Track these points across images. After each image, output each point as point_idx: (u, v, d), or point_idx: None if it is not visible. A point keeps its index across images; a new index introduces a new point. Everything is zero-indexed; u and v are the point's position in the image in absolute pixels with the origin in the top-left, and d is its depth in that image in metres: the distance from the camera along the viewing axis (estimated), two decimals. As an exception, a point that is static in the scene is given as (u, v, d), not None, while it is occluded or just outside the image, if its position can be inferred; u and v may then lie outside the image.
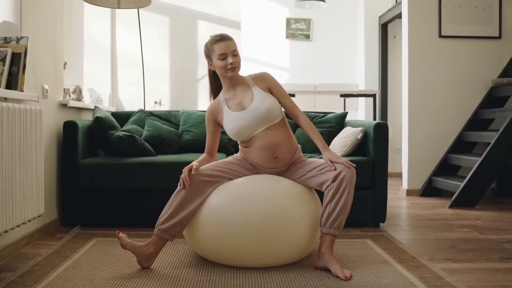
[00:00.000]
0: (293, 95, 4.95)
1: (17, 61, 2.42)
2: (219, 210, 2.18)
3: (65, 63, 3.52)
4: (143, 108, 4.14)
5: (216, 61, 2.30)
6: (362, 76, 6.31)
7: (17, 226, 2.26)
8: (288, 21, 6.64)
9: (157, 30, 4.94)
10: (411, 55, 4.56)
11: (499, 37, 4.59)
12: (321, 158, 2.32)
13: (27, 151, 2.33)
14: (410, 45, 4.56)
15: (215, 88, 2.46)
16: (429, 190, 4.52)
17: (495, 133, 4.03)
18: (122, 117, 3.72)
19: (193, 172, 2.21)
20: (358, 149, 3.27)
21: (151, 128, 3.45)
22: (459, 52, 4.59)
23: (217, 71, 2.34)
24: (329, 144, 3.36)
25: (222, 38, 2.30)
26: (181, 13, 4.98)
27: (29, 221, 2.37)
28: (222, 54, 2.28)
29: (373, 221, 3.15)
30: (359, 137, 3.20)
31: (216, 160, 2.45)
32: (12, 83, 2.41)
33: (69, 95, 3.45)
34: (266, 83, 2.38)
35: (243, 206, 2.15)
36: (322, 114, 3.68)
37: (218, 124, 2.44)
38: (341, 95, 5.24)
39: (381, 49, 6.15)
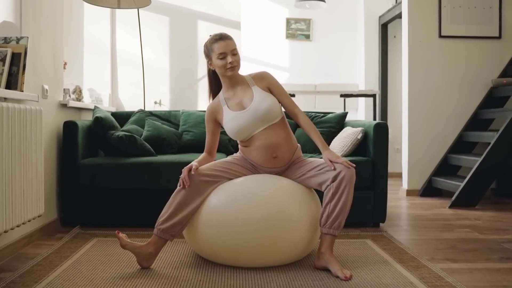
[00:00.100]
0: (293, 95, 4.94)
1: (17, 61, 2.42)
2: (219, 210, 2.18)
3: (65, 63, 3.52)
4: (143, 108, 4.14)
5: (216, 61, 2.30)
6: (362, 76, 6.31)
7: (17, 226, 2.26)
8: (288, 21, 6.64)
9: (157, 30, 4.94)
10: (411, 55, 4.56)
11: (499, 37, 4.59)
12: (321, 158, 2.32)
13: (27, 151, 2.33)
14: (410, 45, 4.56)
15: (214, 87, 2.46)
16: (429, 190, 4.52)
17: (495, 133, 4.03)
18: (122, 117, 3.72)
19: (192, 172, 2.21)
20: (358, 149, 3.27)
21: (151, 128, 3.45)
22: (459, 52, 4.59)
23: (217, 71, 2.34)
24: (329, 144, 3.36)
25: (222, 37, 2.30)
26: (181, 13, 4.98)
27: (29, 221, 2.37)
28: (222, 53, 2.28)
29: (373, 221, 3.15)
30: (359, 137, 3.20)
31: (216, 160, 2.45)
32: (12, 83, 2.41)
33: (69, 95, 3.45)
34: (265, 82, 2.38)
35: (242, 206, 2.15)
36: (322, 114, 3.68)
37: (217, 124, 2.44)
38: (341, 95, 5.23)
39: (381, 49, 6.16)
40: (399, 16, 5.39)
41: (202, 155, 2.45)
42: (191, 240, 2.31)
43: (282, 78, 6.48)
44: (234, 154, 2.47)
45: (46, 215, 2.90)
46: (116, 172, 3.00)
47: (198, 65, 5.00)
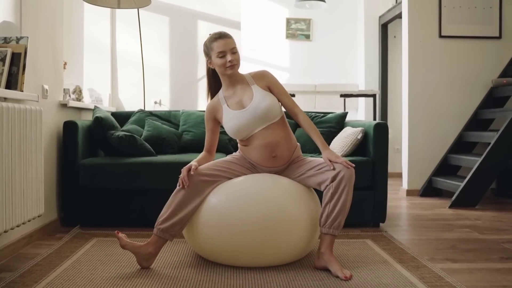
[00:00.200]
0: (293, 95, 4.94)
1: (17, 61, 2.42)
2: (219, 210, 2.18)
3: (65, 63, 3.52)
4: (143, 108, 4.14)
5: (215, 59, 2.30)
6: (362, 76, 6.31)
7: (17, 226, 2.26)
8: (288, 21, 6.64)
9: (157, 30, 4.94)
10: (411, 55, 4.56)
11: (499, 37, 4.59)
12: (321, 157, 2.32)
13: (27, 151, 2.33)
14: (410, 45, 4.56)
15: (213, 87, 2.46)
16: (429, 190, 4.52)
17: (495, 133, 4.03)
18: (122, 117, 3.72)
19: (192, 172, 2.21)
20: (358, 149, 3.27)
21: (151, 128, 3.45)
22: (459, 52, 4.59)
23: (217, 69, 2.34)
24: (329, 144, 3.36)
25: (221, 36, 2.30)
26: (181, 13, 4.98)
27: (29, 221, 2.37)
28: (221, 52, 2.28)
29: (373, 221, 3.15)
30: (359, 137, 3.20)
31: (215, 159, 2.45)
32: (12, 83, 2.41)
33: (69, 95, 3.45)
34: (265, 81, 2.38)
35: (242, 205, 2.15)
36: (322, 114, 3.68)
37: (217, 122, 2.44)
38: (341, 95, 5.23)
39: (381, 49, 6.15)
40: (399, 16, 5.39)
41: (201, 154, 2.45)
42: (191, 240, 2.31)
43: (282, 78, 6.48)
44: (234, 154, 2.48)
45: (46, 215, 2.90)
46: (116, 172, 3.00)
47: (198, 65, 5.00)
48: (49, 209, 2.96)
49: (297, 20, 6.63)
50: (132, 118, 3.63)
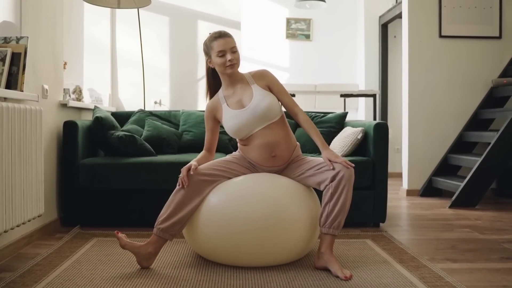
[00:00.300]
0: (293, 95, 4.94)
1: (17, 61, 2.42)
2: (218, 209, 2.18)
3: (65, 63, 3.52)
4: (143, 108, 4.14)
5: (215, 58, 2.30)
6: (362, 76, 6.31)
7: (17, 226, 2.26)
8: (288, 21, 6.64)
9: (157, 30, 4.94)
10: (411, 55, 4.56)
11: (499, 37, 4.59)
12: (321, 157, 2.32)
13: (27, 151, 2.33)
14: (410, 45, 4.56)
15: (213, 86, 2.46)
16: (429, 190, 4.52)
17: (495, 133, 4.03)
18: (122, 117, 3.72)
19: (191, 172, 2.21)
20: (358, 149, 3.27)
21: (151, 128, 3.45)
22: (459, 52, 4.59)
23: (216, 68, 2.34)
24: (329, 144, 3.36)
25: (221, 35, 2.30)
26: (181, 13, 4.98)
27: (29, 221, 2.37)
28: (221, 51, 2.28)
29: (373, 221, 3.15)
30: (359, 137, 3.20)
31: (215, 159, 2.45)
32: (12, 83, 2.41)
33: (69, 95, 3.45)
34: (265, 80, 2.38)
35: (242, 205, 2.15)
36: (322, 114, 3.68)
37: (217, 121, 2.44)
38: (341, 95, 5.23)
39: (381, 49, 6.16)
40: (399, 16, 5.39)
41: (201, 153, 2.45)
42: (191, 240, 2.31)
43: (282, 78, 6.47)
44: (233, 153, 2.48)
45: (46, 215, 2.90)
46: (116, 172, 3.00)
47: (198, 65, 5.00)
48: (49, 209, 2.96)
49: (297, 20, 6.63)
50: (132, 118, 3.63)
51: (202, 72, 4.98)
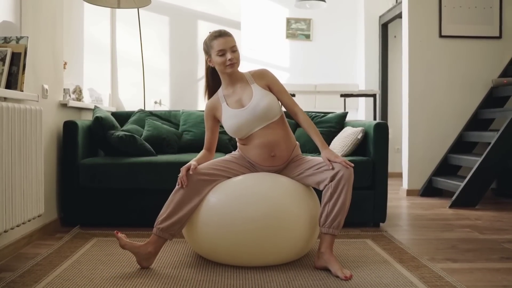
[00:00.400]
0: (293, 95, 4.94)
1: (17, 61, 2.42)
2: (218, 209, 2.18)
3: (65, 63, 3.52)
4: (143, 108, 4.14)
5: (215, 57, 2.30)
6: (362, 76, 6.31)
7: (17, 226, 2.26)
8: (288, 21, 6.64)
9: (157, 30, 4.94)
10: (411, 55, 4.56)
11: (500, 37, 4.59)
12: (321, 157, 2.32)
13: (27, 151, 2.33)
14: (410, 45, 4.56)
15: (212, 85, 2.46)
16: (429, 190, 4.52)
17: (495, 133, 4.03)
18: (122, 117, 3.72)
19: (191, 172, 2.21)
20: (358, 149, 3.27)
21: (151, 128, 3.45)
22: (460, 52, 4.59)
23: (216, 68, 2.34)
24: (329, 144, 3.36)
25: (221, 34, 2.30)
26: (181, 13, 4.98)
27: (29, 221, 2.37)
28: (221, 50, 2.28)
29: (373, 221, 3.15)
30: (359, 137, 3.20)
31: (214, 158, 2.45)
32: (12, 83, 2.41)
33: (69, 95, 3.45)
34: (265, 80, 2.38)
35: (241, 204, 2.15)
36: (322, 114, 3.68)
37: (216, 121, 2.44)
38: (341, 95, 5.23)
39: (381, 49, 6.15)
40: (399, 16, 5.39)
41: (201, 153, 2.45)
42: (191, 239, 2.31)
43: (282, 78, 6.47)
44: (233, 153, 2.47)
45: (46, 215, 2.90)
46: (116, 172, 3.00)
47: (198, 65, 5.00)
48: (49, 209, 2.96)
49: (297, 20, 6.63)
50: (132, 118, 3.63)
51: (202, 72, 4.98)
